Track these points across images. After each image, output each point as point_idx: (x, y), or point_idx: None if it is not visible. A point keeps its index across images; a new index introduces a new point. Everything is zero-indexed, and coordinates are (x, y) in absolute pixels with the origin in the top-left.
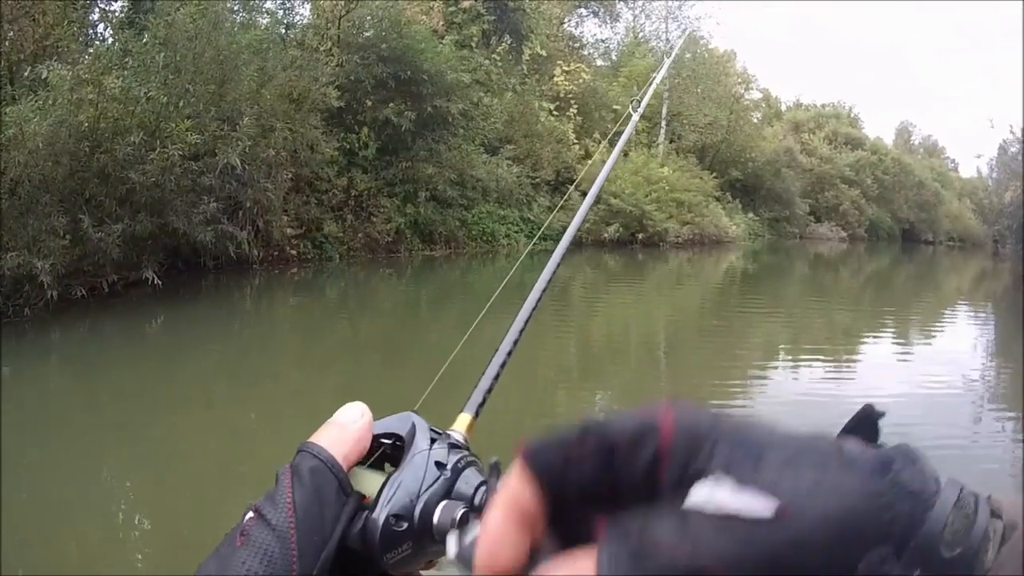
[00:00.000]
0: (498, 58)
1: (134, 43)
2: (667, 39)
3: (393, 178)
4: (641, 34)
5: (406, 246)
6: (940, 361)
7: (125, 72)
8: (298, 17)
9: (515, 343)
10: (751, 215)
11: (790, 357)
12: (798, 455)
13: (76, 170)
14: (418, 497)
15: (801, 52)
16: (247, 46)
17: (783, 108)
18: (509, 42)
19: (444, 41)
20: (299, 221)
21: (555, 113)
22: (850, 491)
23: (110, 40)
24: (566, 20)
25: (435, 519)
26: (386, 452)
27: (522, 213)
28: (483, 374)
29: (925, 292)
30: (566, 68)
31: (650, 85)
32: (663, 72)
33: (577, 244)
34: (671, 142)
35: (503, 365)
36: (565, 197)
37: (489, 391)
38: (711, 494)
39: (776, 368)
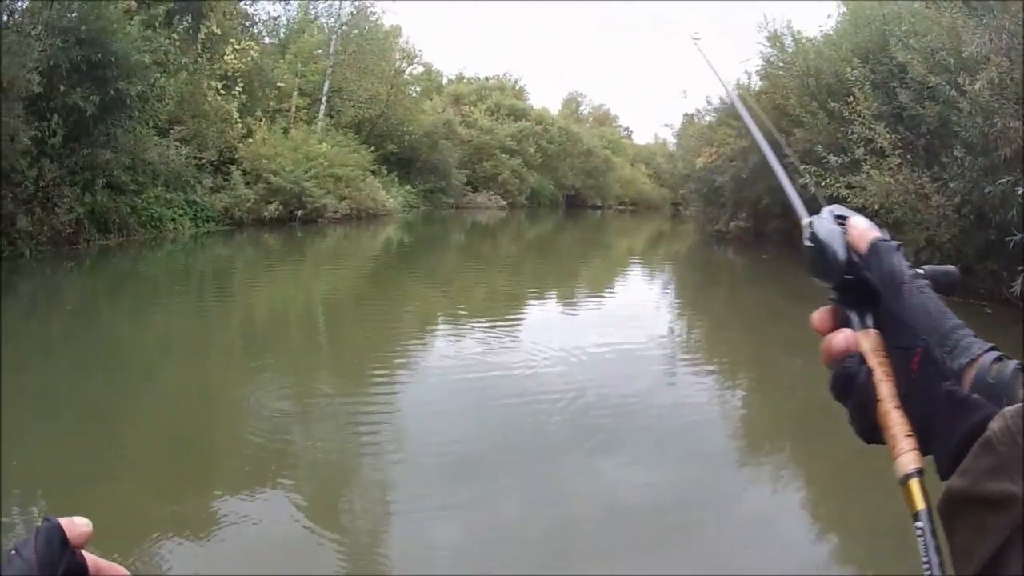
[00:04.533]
0: (177, 38)
1: None
2: (338, 15)
3: (75, 166)
4: (313, 11)
5: (85, 237)
6: (617, 321)
7: None
8: (20, 3)
9: None
10: (408, 187)
11: (451, 324)
12: None
13: None
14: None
15: (471, 28)
16: None
17: (444, 82)
18: (189, 21)
19: (132, 21)
20: None
21: (222, 92)
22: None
23: None
24: None
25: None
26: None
27: (187, 196)
28: None
29: (593, 255)
30: (237, 47)
31: None
32: None
33: (238, 224)
34: (331, 117)
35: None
36: None
37: None
38: None
39: (435, 336)
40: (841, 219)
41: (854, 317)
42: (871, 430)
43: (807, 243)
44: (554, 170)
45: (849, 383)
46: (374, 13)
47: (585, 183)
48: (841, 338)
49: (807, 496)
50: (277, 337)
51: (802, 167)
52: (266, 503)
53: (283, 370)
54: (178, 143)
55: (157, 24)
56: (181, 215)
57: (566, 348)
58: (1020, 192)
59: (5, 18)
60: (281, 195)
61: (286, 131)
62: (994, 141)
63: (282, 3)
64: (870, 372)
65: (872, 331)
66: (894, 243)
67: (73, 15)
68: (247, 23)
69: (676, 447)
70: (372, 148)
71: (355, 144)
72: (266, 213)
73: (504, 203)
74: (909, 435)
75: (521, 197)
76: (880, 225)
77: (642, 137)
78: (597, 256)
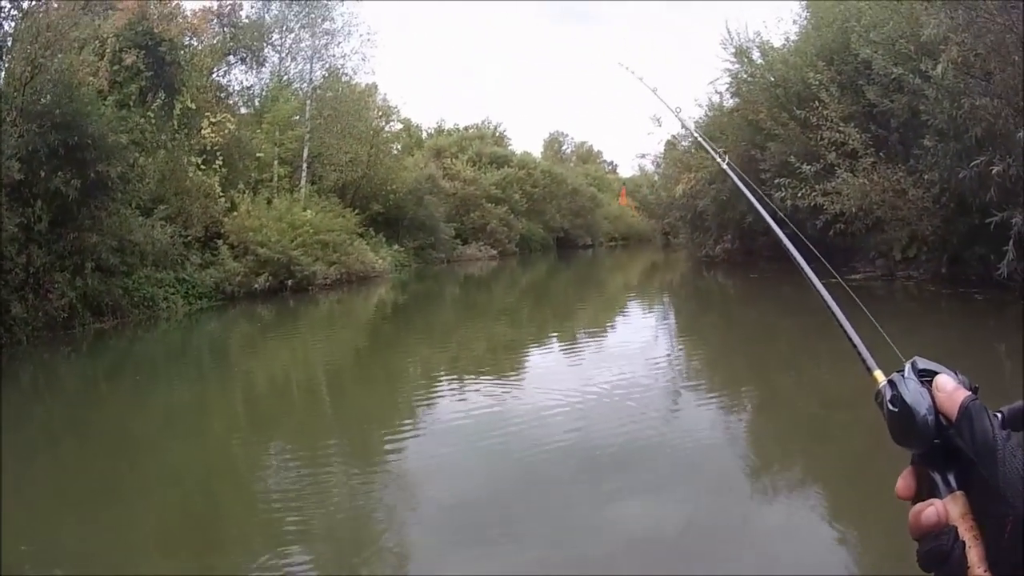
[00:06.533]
0: (152, 115)
1: None
2: (311, 79)
3: (63, 250)
4: (286, 77)
5: (79, 321)
6: (618, 357)
7: None
8: None
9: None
10: (396, 246)
11: (454, 379)
12: None
13: None
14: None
15: (446, 79)
16: None
17: (424, 136)
18: (163, 97)
19: (107, 102)
20: None
21: (202, 167)
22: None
23: None
24: (215, 70)
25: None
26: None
27: (177, 274)
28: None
29: (589, 294)
30: (213, 120)
31: None
32: None
33: (230, 298)
34: (313, 183)
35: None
36: None
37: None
38: None
39: (438, 393)
40: (925, 374)
41: (939, 480)
42: None
43: (890, 407)
44: (541, 213)
45: (944, 561)
46: (346, 74)
47: (574, 223)
48: (932, 512)
49: (820, 512)
50: (280, 408)
51: (776, 180)
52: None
53: (289, 440)
54: (163, 222)
55: (131, 103)
56: (173, 293)
57: (571, 390)
58: (995, 171)
59: None
60: (270, 266)
61: (269, 201)
62: (964, 123)
63: (255, 72)
64: (964, 547)
65: (959, 495)
66: (980, 402)
67: (47, 99)
68: (221, 94)
69: (688, 477)
70: (357, 210)
71: (339, 208)
72: (256, 285)
73: (495, 252)
74: None
75: (511, 244)
76: (862, 227)
77: (627, 170)
78: (593, 295)
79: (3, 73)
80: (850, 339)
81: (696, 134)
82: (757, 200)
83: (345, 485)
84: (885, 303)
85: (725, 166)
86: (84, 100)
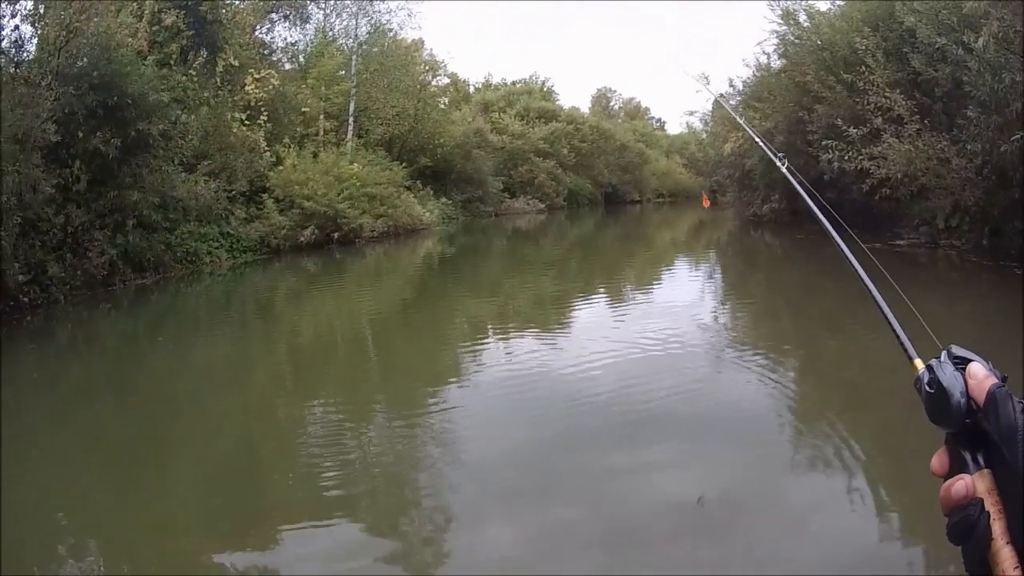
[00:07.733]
0: (194, 73)
1: None
2: (356, 35)
3: (103, 209)
4: (331, 33)
5: (120, 278)
6: (664, 314)
7: None
8: (25, 54)
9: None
10: (444, 199)
11: (499, 332)
12: None
13: None
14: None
15: (493, 34)
16: None
17: (472, 90)
18: (205, 56)
19: (147, 62)
20: (28, 266)
21: (247, 123)
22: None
23: None
24: (258, 27)
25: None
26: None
27: (221, 228)
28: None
29: (636, 250)
30: (256, 76)
31: None
32: None
33: (275, 252)
34: (360, 137)
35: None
36: None
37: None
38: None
39: (485, 345)
40: (959, 361)
41: (968, 458)
42: (981, 565)
43: (927, 389)
44: (589, 168)
45: (970, 531)
46: (391, 29)
47: (622, 179)
48: (961, 485)
49: (858, 482)
50: (327, 360)
51: (824, 142)
52: (330, 530)
53: (336, 392)
54: (206, 177)
55: (172, 62)
56: (217, 248)
57: (616, 345)
58: None
59: (13, 70)
60: (316, 219)
61: (315, 155)
62: (1004, 97)
63: (299, 28)
64: (989, 517)
65: (986, 472)
66: (1006, 389)
67: (84, 61)
68: (265, 51)
69: (728, 437)
70: (404, 164)
71: (386, 162)
72: (302, 238)
73: (542, 206)
74: (1017, 567)
75: (559, 198)
76: (907, 194)
77: (674, 127)
78: (640, 251)
79: (36, 41)
80: (894, 331)
81: (759, 140)
82: (816, 205)
83: (388, 441)
84: (928, 270)
85: (784, 170)
86: (123, 61)
